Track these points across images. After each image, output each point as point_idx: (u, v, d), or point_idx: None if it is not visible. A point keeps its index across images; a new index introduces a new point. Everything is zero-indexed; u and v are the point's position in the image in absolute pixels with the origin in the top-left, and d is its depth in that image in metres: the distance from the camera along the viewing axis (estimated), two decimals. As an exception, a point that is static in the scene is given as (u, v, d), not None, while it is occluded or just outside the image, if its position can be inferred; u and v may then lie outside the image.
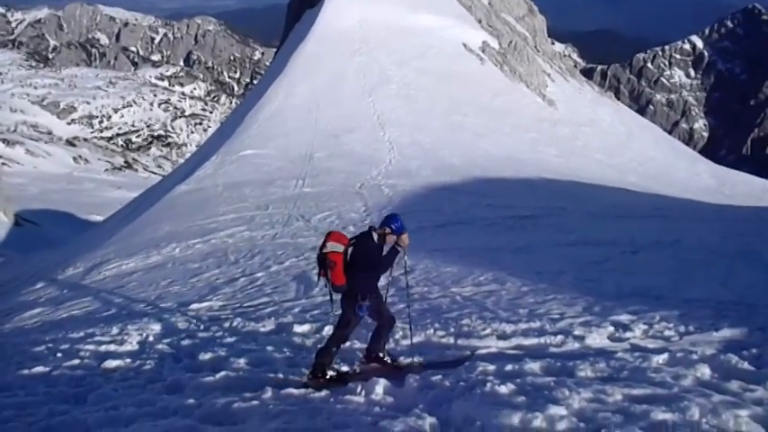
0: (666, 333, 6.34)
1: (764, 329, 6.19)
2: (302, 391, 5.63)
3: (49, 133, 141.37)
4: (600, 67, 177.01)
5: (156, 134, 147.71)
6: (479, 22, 57.23)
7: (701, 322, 6.55)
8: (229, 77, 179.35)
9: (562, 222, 16.60)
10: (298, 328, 7.93)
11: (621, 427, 4.06)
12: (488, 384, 4.94)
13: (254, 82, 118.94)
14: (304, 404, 5.24)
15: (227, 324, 8.61)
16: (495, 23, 58.90)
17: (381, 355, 6.26)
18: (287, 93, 38.52)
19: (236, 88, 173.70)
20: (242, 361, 6.61)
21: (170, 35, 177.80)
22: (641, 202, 24.78)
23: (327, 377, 6.00)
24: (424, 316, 7.97)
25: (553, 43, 79.49)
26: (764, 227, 15.02)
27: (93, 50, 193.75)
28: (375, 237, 5.97)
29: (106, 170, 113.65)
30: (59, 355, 7.81)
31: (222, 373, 6.18)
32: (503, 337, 6.69)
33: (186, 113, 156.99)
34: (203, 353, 7.05)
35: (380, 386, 5.41)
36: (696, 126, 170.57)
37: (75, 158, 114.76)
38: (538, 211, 18.37)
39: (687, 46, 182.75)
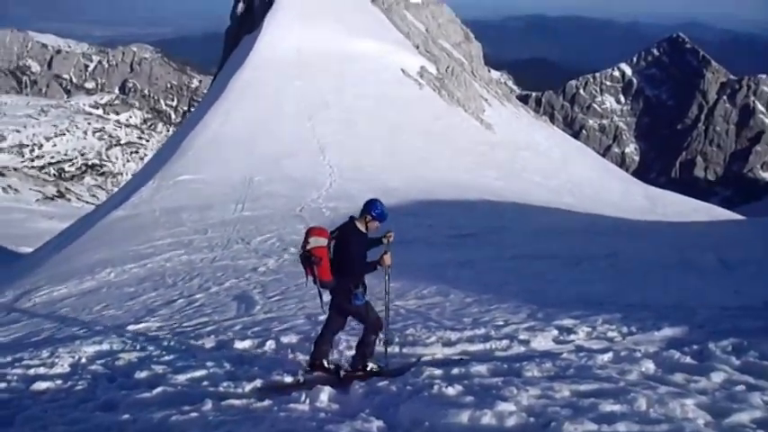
0: (610, 334, 6.41)
1: (704, 327, 6.33)
2: (244, 401, 5.40)
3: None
4: (534, 94, 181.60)
5: (90, 163, 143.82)
6: (417, 48, 58.05)
7: (642, 323, 6.65)
8: (166, 105, 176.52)
9: (503, 239, 16.79)
10: (239, 344, 7.72)
11: (571, 419, 4.03)
12: (435, 387, 4.87)
13: (192, 110, 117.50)
14: (246, 414, 5.05)
15: (164, 343, 8.33)
16: (432, 49, 59.82)
17: (369, 364, 6.01)
18: (225, 118, 38.08)
19: (173, 116, 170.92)
20: (180, 377, 6.36)
21: (105, 63, 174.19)
22: (579, 220, 25.30)
23: (369, 369, 5.83)
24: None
25: (489, 71, 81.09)
26: (697, 240, 15.50)
27: (24, 78, 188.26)
28: (359, 225, 5.81)
29: (37, 200, 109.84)
30: (-17, 381, 7.38)
31: (159, 389, 5.92)
32: (448, 344, 6.64)
33: (122, 142, 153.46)
34: (139, 371, 6.76)
35: (325, 393, 5.28)
36: (627, 150, 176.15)
37: (3, 188, 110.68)
38: (479, 230, 18.53)
39: (617, 73, 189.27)
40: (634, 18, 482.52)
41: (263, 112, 38.97)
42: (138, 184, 33.54)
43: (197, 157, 32.95)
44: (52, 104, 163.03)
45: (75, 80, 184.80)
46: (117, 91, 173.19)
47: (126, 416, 5.21)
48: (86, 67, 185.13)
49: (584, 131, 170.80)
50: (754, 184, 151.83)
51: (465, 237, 17.13)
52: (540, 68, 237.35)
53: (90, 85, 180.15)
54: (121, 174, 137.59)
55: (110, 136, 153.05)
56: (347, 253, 5.74)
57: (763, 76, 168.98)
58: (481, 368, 5.38)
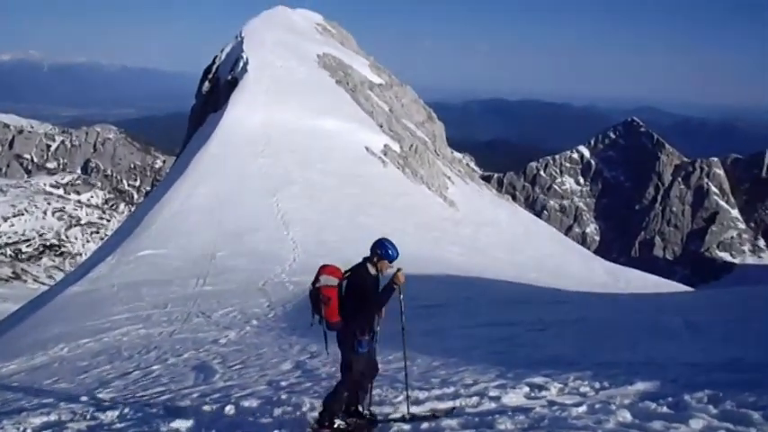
0: (582, 389, 6.24)
1: (677, 381, 6.19)
2: None
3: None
4: (496, 175, 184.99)
5: (48, 243, 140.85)
6: (381, 126, 58.98)
7: (614, 379, 6.50)
8: (129, 185, 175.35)
9: (469, 309, 16.66)
10: (194, 410, 7.35)
11: (549, 466, 3.82)
12: (404, 441, 4.61)
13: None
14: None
15: (116, 412, 7.91)
16: (396, 128, 60.86)
17: (336, 421, 5.69)
18: (189, 193, 37.78)
19: (135, 196, 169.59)
20: (132, 443, 5.98)
21: (67, 143, 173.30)
22: (543, 292, 25.34)
23: (335, 426, 5.47)
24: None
25: (452, 152, 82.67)
26: (663, 306, 15.56)
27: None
28: (370, 268, 5.61)
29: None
30: None
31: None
32: (416, 402, 6.40)
33: (82, 222, 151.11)
34: (88, 439, 6.35)
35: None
36: (588, 230, 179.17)
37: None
38: (444, 301, 18.37)
39: (575, 155, 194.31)
40: (590, 102, 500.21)
41: (227, 188, 38.81)
42: (98, 260, 32.85)
43: (159, 233, 32.49)
44: (11, 184, 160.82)
45: (36, 160, 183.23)
46: (79, 171, 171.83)
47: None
48: (48, 147, 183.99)
49: (545, 212, 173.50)
50: (712, 263, 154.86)
51: (430, 307, 16.93)
52: (502, 150, 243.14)
53: (52, 164, 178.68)
54: (80, 254, 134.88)
55: (70, 216, 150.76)
56: (357, 295, 5.53)
57: (715, 159, 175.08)
58: (452, 422, 5.15)
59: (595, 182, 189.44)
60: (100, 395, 9.52)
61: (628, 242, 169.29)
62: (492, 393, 6.32)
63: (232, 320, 16.90)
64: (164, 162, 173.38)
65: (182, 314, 18.45)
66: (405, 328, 6.10)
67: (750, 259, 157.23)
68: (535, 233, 57.10)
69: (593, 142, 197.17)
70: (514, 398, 6.14)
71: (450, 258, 36.25)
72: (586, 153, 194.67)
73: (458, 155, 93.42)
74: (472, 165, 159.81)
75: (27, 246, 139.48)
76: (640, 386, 6.10)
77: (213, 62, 69.11)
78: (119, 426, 7.04)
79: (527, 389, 6.43)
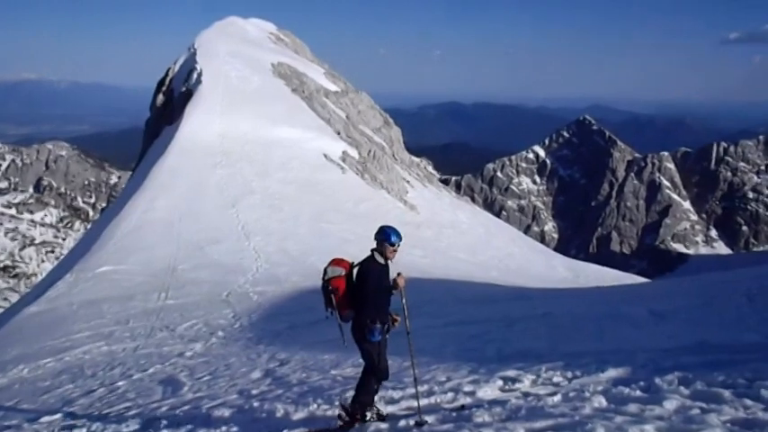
0: (555, 379, 6.29)
1: (647, 366, 6.29)
2: None
3: None
4: (454, 178, 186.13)
5: (1, 265, 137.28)
6: (338, 133, 58.90)
7: (586, 368, 6.57)
8: (84, 203, 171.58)
9: (436, 310, 16.68)
10: (165, 423, 7.21)
11: (529, 454, 3.83)
12: (384, 438, 4.58)
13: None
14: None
15: (83, 430, 7.71)
16: (353, 134, 60.85)
17: (367, 413, 5.63)
18: (146, 207, 37.16)
19: (91, 213, 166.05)
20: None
21: (18, 161, 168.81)
22: (507, 290, 25.58)
23: (367, 419, 5.40)
24: (305, 396, 7.52)
25: (410, 157, 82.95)
26: (626, 296, 15.81)
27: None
28: (377, 257, 5.59)
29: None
30: None
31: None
32: (391, 402, 6.38)
33: (36, 241, 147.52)
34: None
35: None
36: (546, 228, 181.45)
37: None
38: (410, 304, 18.36)
39: (531, 155, 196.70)
40: (541, 102, 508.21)
41: (185, 200, 38.30)
42: (55, 279, 32.08)
43: (117, 248, 31.87)
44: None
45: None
46: (31, 190, 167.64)
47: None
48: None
49: (504, 212, 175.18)
50: (667, 255, 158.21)
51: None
52: (458, 153, 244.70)
53: (3, 184, 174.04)
54: (36, 275, 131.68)
55: (23, 236, 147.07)
56: (363, 284, 5.52)
57: (665, 153, 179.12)
58: (428, 418, 5.13)
59: (551, 180, 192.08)
60: (63, 414, 9.28)
61: (585, 238, 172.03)
62: (466, 389, 6.34)
63: (197, 333, 16.67)
64: (119, 178, 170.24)
65: (145, 329, 18.13)
66: (409, 332, 6.09)
67: (703, 249, 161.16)
68: (495, 233, 57.62)
69: (547, 142, 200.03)
70: (489, 391, 6.16)
71: (414, 261, 36.27)
72: (541, 153, 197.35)
73: (416, 159, 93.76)
74: (430, 168, 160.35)
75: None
76: (612, 373, 6.17)
77: (166, 74, 68.26)
78: (87, 443, 6.85)
79: (501, 382, 6.47)
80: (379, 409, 5.90)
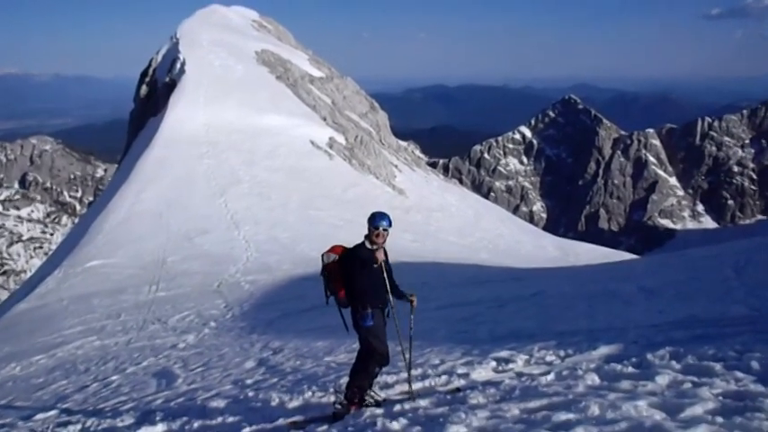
0: (548, 359, 6.34)
1: (638, 342, 6.35)
2: None
3: None
4: (442, 161, 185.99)
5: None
6: (324, 119, 58.72)
7: (578, 346, 6.61)
8: (70, 197, 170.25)
9: (427, 294, 16.68)
10: (161, 416, 7.20)
11: (526, 432, 3.86)
12: (379, 423, 4.60)
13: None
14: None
15: (78, 426, 7.68)
16: (339, 120, 60.66)
17: (366, 398, 5.67)
18: (134, 199, 36.99)
19: (78, 207, 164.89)
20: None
21: (2, 157, 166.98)
22: (497, 272, 25.66)
23: (365, 402, 5.43)
24: (300, 384, 7.53)
25: (397, 141, 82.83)
26: (615, 274, 15.90)
27: None
28: (367, 243, 5.61)
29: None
30: None
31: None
32: (385, 386, 6.40)
33: (24, 238, 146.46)
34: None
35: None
36: (535, 208, 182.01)
37: None
38: (402, 288, 18.41)
39: (517, 136, 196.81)
40: (527, 83, 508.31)
41: (173, 191, 38.14)
42: (44, 275, 31.91)
43: (106, 242, 31.73)
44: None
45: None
46: (17, 186, 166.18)
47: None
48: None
49: (492, 193, 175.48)
50: (655, 231, 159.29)
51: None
52: (445, 136, 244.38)
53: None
54: (25, 271, 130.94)
55: (10, 233, 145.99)
56: (352, 269, 5.55)
57: (651, 130, 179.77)
58: (423, 402, 5.16)
59: (538, 160, 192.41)
60: (58, 410, 9.25)
61: (574, 217, 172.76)
62: (460, 371, 6.38)
63: (189, 324, 16.64)
64: (105, 170, 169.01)
65: (137, 322, 18.09)
66: (391, 314, 6.10)
67: (690, 224, 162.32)
68: (484, 215, 57.75)
69: (533, 122, 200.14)
70: (483, 373, 6.21)
71: (404, 245, 36.34)
72: (528, 133, 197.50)
73: (403, 143, 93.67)
74: (417, 152, 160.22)
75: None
76: (604, 350, 6.23)
77: (149, 65, 67.69)
78: (82, 438, 6.84)
79: (494, 363, 6.51)
80: (376, 394, 5.93)
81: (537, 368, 6.06)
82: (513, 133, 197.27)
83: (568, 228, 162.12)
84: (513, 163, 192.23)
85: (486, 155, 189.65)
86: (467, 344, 8.28)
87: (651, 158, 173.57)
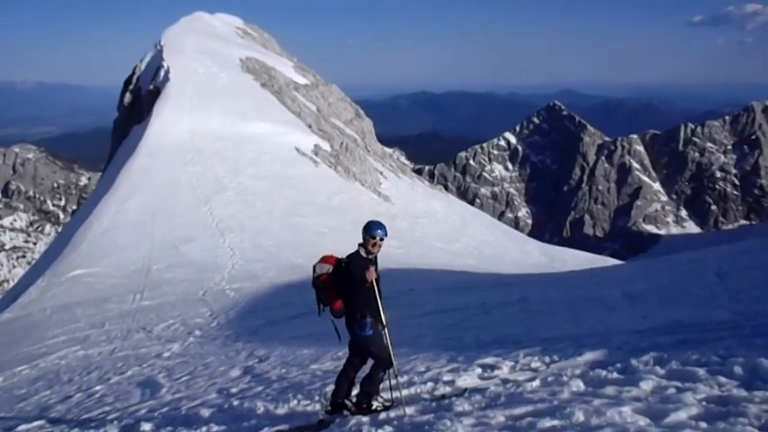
0: (533, 365, 6.36)
1: (623, 348, 6.38)
2: None
3: None
4: (427, 168, 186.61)
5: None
6: (310, 126, 58.67)
7: (563, 352, 6.63)
8: (54, 205, 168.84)
9: (413, 300, 16.73)
10: (145, 426, 7.14)
11: (511, 440, 3.86)
12: (365, 430, 4.60)
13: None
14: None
15: (62, 437, 7.62)
16: (324, 127, 60.65)
17: (374, 403, 5.64)
18: (118, 208, 36.73)
19: (61, 216, 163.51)
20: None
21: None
22: (483, 278, 25.69)
23: (373, 408, 5.40)
24: (285, 392, 7.51)
25: (383, 148, 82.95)
26: (599, 279, 15.98)
27: None
28: (361, 251, 5.59)
29: None
30: None
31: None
32: (372, 394, 6.35)
33: (6, 247, 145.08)
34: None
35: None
36: (520, 214, 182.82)
37: None
38: (387, 294, 18.30)
39: (502, 142, 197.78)
40: (512, 90, 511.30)
41: (157, 200, 37.92)
42: (27, 284, 31.59)
43: (90, 251, 31.48)
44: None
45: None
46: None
47: None
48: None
49: (477, 200, 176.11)
50: (639, 236, 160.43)
51: (375, 302, 16.94)
52: (430, 142, 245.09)
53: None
54: (7, 281, 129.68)
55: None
56: (348, 278, 5.54)
57: (634, 136, 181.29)
58: (409, 410, 5.16)
59: (523, 167, 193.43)
60: (41, 421, 9.16)
61: (559, 223, 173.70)
62: (446, 378, 6.38)
63: (174, 333, 16.53)
64: (89, 179, 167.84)
65: (121, 331, 17.94)
66: (385, 325, 6.10)
67: (674, 230, 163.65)
68: (470, 221, 57.88)
69: (518, 128, 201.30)
70: (468, 379, 6.21)
71: (389, 252, 36.24)
72: (513, 139, 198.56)
73: (388, 150, 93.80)
74: (403, 159, 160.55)
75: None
76: (589, 356, 6.25)
77: (133, 73, 67.39)
78: (66, 450, 6.78)
79: (479, 370, 6.52)
80: (385, 398, 5.93)
81: (522, 375, 6.08)
82: (499, 140, 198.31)
83: (553, 233, 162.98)
84: (498, 169, 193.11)
85: (471, 161, 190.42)
86: (452, 350, 8.29)
87: (635, 164, 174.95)
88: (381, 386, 6.45)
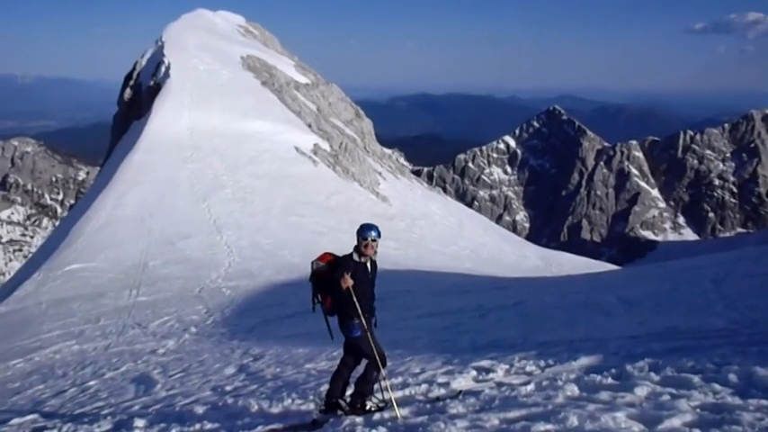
0: (528, 369, 6.36)
1: (618, 353, 6.38)
2: None
3: None
4: (426, 169, 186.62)
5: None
6: (309, 126, 58.64)
7: (558, 356, 6.64)
8: (51, 199, 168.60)
9: (408, 302, 16.72)
10: (139, 422, 7.13)
11: (504, 443, 3.86)
12: (358, 431, 4.59)
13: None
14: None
15: (55, 431, 7.60)
16: (324, 127, 60.63)
17: (368, 403, 5.64)
18: (116, 203, 36.68)
19: (59, 210, 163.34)
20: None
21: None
22: (480, 281, 25.72)
23: (367, 408, 5.40)
24: (280, 391, 7.50)
25: (382, 149, 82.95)
26: (596, 284, 15.98)
27: None
28: (354, 255, 5.59)
29: None
30: None
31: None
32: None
33: (3, 240, 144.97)
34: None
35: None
36: (518, 218, 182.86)
37: None
38: (383, 295, 18.27)
39: (502, 145, 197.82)
40: (512, 93, 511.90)
41: (155, 196, 37.88)
42: (23, 278, 31.55)
43: (86, 245, 31.44)
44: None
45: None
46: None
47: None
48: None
49: (476, 202, 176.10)
50: (637, 242, 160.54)
51: (371, 302, 16.94)
52: (430, 144, 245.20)
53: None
54: (4, 274, 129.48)
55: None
56: (337, 279, 5.54)
57: (633, 142, 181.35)
58: (403, 411, 5.16)
59: (522, 170, 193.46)
60: (35, 415, 9.13)
61: (556, 227, 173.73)
62: (440, 380, 6.39)
63: (170, 329, 16.51)
64: (87, 174, 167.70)
65: (116, 327, 17.93)
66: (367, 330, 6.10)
67: (672, 236, 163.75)
68: (467, 224, 57.89)
69: (517, 132, 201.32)
70: (463, 382, 6.22)
71: (387, 253, 36.29)
72: (512, 143, 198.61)
73: (387, 151, 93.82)
74: (402, 160, 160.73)
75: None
76: (584, 361, 6.26)
77: (134, 68, 67.32)
78: (58, 444, 6.77)
79: (474, 372, 6.52)
80: (379, 399, 5.92)
81: (517, 378, 6.08)
82: (498, 143, 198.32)
83: (551, 238, 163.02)
84: (496, 172, 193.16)
85: (470, 164, 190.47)
86: (448, 353, 8.30)
87: (634, 170, 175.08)
88: (375, 387, 6.45)
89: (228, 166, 45.52)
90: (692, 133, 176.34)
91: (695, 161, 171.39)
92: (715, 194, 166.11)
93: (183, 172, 42.65)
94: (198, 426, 6.41)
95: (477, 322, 11.00)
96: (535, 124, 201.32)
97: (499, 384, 5.89)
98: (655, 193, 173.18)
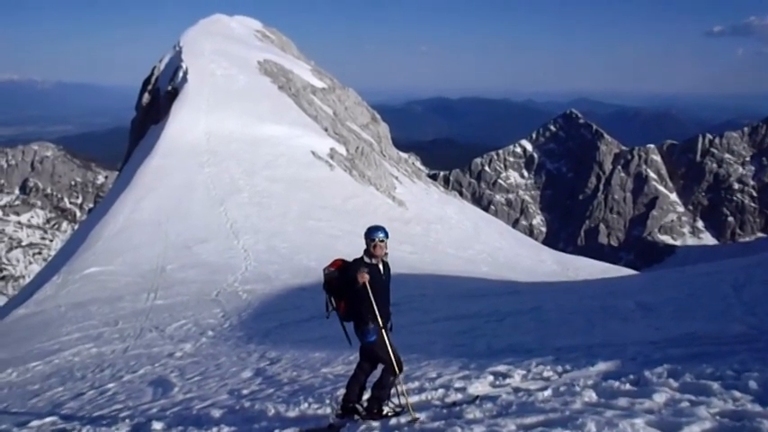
0: (545, 374, 6.33)
1: (636, 359, 6.33)
2: None
3: None
4: (442, 173, 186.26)
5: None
6: (326, 130, 58.79)
7: (576, 362, 6.60)
8: (71, 203, 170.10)
9: (425, 306, 16.71)
10: (156, 425, 7.18)
11: (521, 449, 3.85)
12: (375, 436, 4.59)
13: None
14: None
15: (73, 434, 7.67)
16: (341, 131, 60.75)
17: (384, 408, 5.64)
18: (134, 207, 36.97)
19: (78, 214, 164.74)
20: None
21: (3, 163, 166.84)
22: (496, 285, 25.62)
23: (383, 413, 5.41)
24: (296, 395, 7.52)
25: (398, 153, 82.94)
26: (614, 290, 15.88)
27: None
28: (365, 258, 5.59)
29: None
30: None
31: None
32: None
33: (23, 243, 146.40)
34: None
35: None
36: (534, 222, 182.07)
37: None
38: (400, 300, 18.36)
39: (518, 149, 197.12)
40: (528, 97, 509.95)
41: (173, 200, 38.13)
42: (42, 281, 31.88)
43: (105, 249, 31.71)
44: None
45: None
46: (17, 191, 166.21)
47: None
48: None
49: (492, 206, 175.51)
50: (655, 247, 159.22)
51: (387, 306, 16.93)
52: (446, 148, 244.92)
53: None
54: (23, 277, 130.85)
55: (10, 238, 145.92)
56: (349, 284, 5.54)
57: (651, 145, 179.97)
58: (421, 415, 5.15)
59: (539, 174, 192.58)
60: (54, 417, 9.22)
61: (573, 231, 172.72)
62: (457, 385, 6.37)
63: (187, 333, 16.60)
64: (106, 178, 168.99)
65: (134, 330, 18.05)
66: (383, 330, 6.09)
67: (690, 240, 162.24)
68: (483, 228, 57.72)
69: (534, 136, 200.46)
70: (480, 387, 6.20)
71: (403, 257, 36.29)
72: (529, 147, 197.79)
73: (403, 155, 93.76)
74: (418, 164, 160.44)
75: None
76: (602, 367, 6.22)
77: (152, 73, 67.85)
78: (77, 447, 6.82)
79: (491, 377, 6.50)
80: (395, 404, 5.90)
81: (534, 383, 6.05)
82: (514, 147, 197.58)
83: (568, 242, 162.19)
84: (513, 176, 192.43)
85: (486, 168, 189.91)
86: (464, 357, 8.27)
87: (652, 174, 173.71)
88: (392, 391, 6.44)
89: (245, 170, 45.72)
90: (710, 137, 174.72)
91: (714, 165, 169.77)
92: (734, 198, 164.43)
93: (200, 176, 42.88)
94: (215, 429, 6.44)
95: (494, 327, 10.96)
96: (552, 128, 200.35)
97: (516, 390, 5.87)
98: (673, 197, 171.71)
